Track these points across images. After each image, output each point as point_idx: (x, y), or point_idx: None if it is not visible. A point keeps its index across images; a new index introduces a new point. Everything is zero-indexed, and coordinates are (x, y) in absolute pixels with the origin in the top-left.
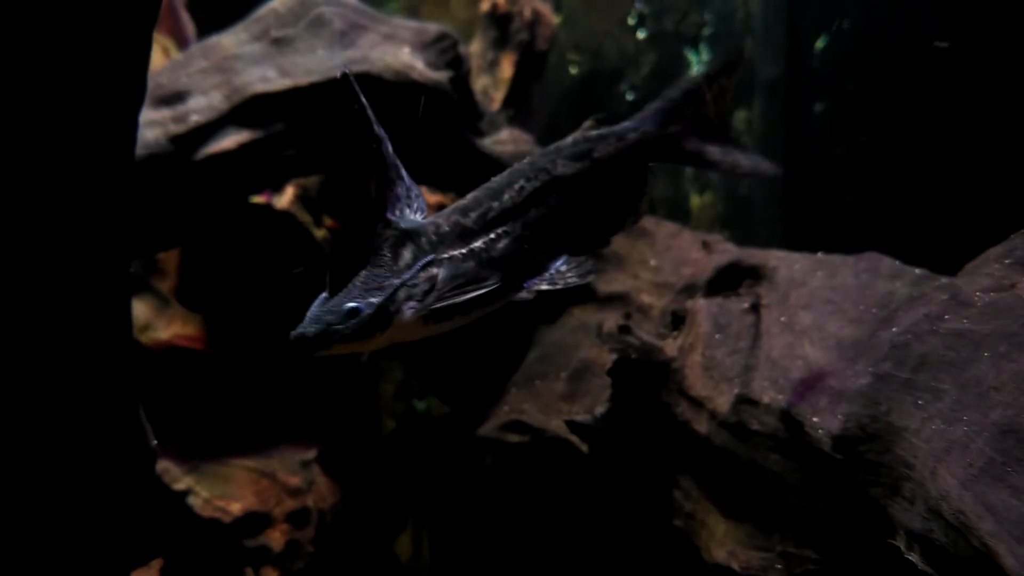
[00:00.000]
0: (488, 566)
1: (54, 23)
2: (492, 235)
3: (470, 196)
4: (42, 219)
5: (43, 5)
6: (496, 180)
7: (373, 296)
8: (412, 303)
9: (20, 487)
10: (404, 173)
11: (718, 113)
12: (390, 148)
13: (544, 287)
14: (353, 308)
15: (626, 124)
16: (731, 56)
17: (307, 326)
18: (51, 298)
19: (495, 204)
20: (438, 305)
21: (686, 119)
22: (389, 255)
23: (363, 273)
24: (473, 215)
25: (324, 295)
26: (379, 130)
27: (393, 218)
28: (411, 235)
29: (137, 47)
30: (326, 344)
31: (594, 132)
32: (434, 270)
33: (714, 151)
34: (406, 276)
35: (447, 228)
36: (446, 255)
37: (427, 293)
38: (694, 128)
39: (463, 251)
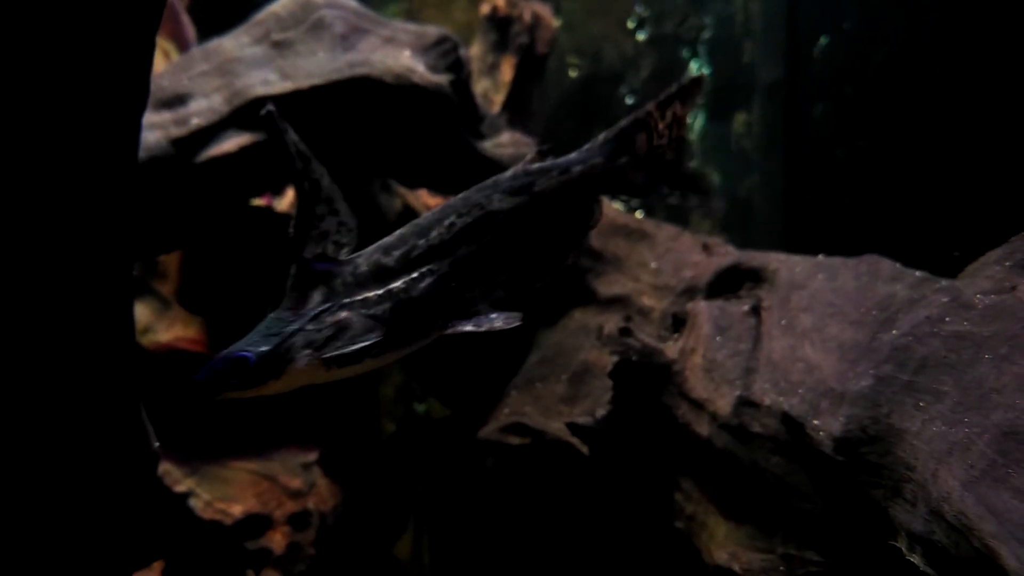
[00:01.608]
0: (489, 568)
1: (58, 26)
2: (415, 274)
3: (396, 234)
4: (46, 221)
5: (47, 7)
6: (426, 216)
7: (266, 344)
8: (308, 351)
9: (22, 489)
10: (340, 205)
11: (671, 143)
12: (326, 181)
13: (468, 329)
14: (240, 357)
15: (571, 156)
16: (687, 82)
17: (201, 373)
18: (54, 300)
19: (421, 242)
20: (332, 354)
21: (635, 150)
22: (297, 297)
23: (270, 316)
24: (396, 254)
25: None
26: (316, 165)
27: (309, 257)
28: (324, 276)
29: (141, 50)
30: (215, 392)
31: (536, 165)
32: (344, 314)
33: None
34: (300, 323)
35: (365, 268)
36: (359, 297)
37: (330, 339)
38: (645, 159)
39: (378, 293)
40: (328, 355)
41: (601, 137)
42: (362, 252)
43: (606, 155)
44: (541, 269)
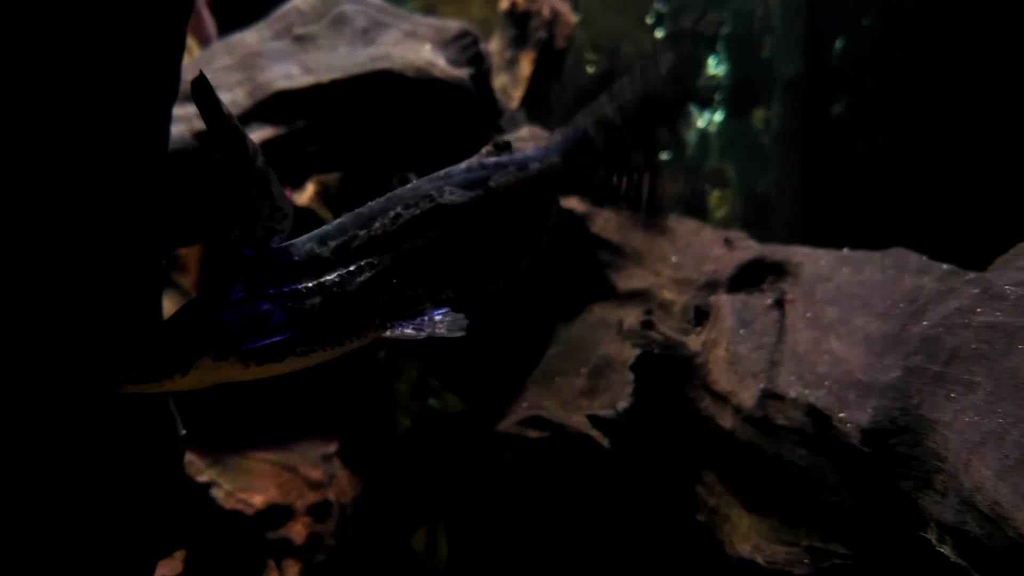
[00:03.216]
0: (508, 561)
1: (92, 17)
2: (352, 267)
3: (335, 222)
4: (81, 213)
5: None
6: (370, 205)
7: (173, 334)
8: (221, 344)
9: (52, 476)
10: (275, 188)
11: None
12: (260, 160)
13: (408, 331)
14: (143, 345)
15: (529, 153)
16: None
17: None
18: (87, 290)
19: (361, 232)
20: (244, 348)
21: (595, 152)
22: (219, 285)
23: (186, 305)
24: (332, 244)
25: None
26: (250, 143)
27: (236, 242)
28: (250, 263)
29: (172, 41)
30: (113, 384)
31: (492, 159)
32: (265, 306)
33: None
34: (216, 314)
35: (296, 258)
36: (285, 289)
37: (243, 332)
38: (606, 161)
39: (308, 285)
40: (240, 350)
41: (560, 136)
42: (296, 240)
43: (564, 155)
44: (495, 270)
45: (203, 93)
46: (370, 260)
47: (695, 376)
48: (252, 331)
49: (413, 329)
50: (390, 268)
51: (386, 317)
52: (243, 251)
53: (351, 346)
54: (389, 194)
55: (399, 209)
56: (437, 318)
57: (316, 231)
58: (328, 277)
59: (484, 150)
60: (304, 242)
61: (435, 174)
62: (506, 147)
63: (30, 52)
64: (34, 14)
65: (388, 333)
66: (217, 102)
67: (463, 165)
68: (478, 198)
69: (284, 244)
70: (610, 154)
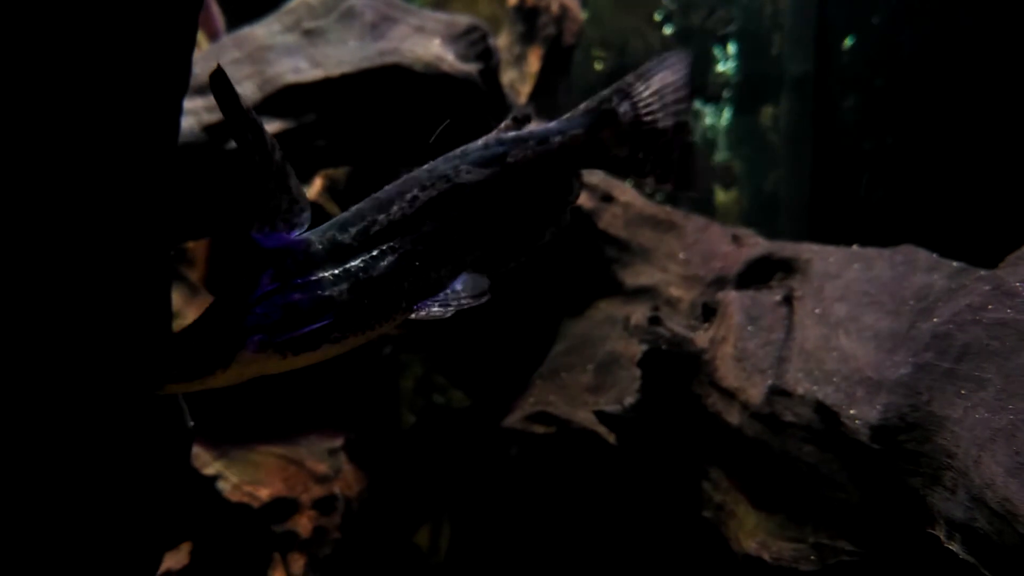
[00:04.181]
0: (513, 557)
1: (105, 9)
2: (374, 252)
3: (353, 209)
4: (91, 205)
5: None
6: (387, 189)
7: (211, 330)
8: (258, 337)
9: (62, 467)
10: (292, 182)
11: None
12: (278, 155)
13: (436, 310)
14: (182, 344)
15: (551, 125)
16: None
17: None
18: (95, 283)
19: (380, 217)
20: (283, 339)
21: (619, 122)
22: (246, 279)
23: (215, 300)
24: (353, 230)
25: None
26: (268, 137)
27: (258, 235)
28: (274, 255)
29: (183, 33)
30: (155, 384)
31: (511, 134)
32: (295, 296)
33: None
34: (249, 307)
35: (320, 246)
36: (313, 278)
37: (280, 323)
38: (630, 132)
39: (335, 272)
40: (279, 340)
41: (583, 106)
42: (316, 229)
43: (586, 127)
44: (516, 247)
45: (221, 86)
46: (391, 244)
47: (702, 372)
48: (289, 321)
49: (439, 307)
50: (411, 251)
51: (412, 300)
52: (267, 243)
53: (380, 330)
54: (405, 176)
55: (416, 192)
56: (459, 287)
57: (335, 219)
58: (353, 263)
59: (503, 124)
60: (325, 230)
61: (451, 152)
62: (525, 120)
63: (45, 44)
64: (48, 6)
65: (415, 315)
66: (235, 95)
67: (480, 142)
68: (495, 175)
69: (305, 234)
70: (635, 126)
